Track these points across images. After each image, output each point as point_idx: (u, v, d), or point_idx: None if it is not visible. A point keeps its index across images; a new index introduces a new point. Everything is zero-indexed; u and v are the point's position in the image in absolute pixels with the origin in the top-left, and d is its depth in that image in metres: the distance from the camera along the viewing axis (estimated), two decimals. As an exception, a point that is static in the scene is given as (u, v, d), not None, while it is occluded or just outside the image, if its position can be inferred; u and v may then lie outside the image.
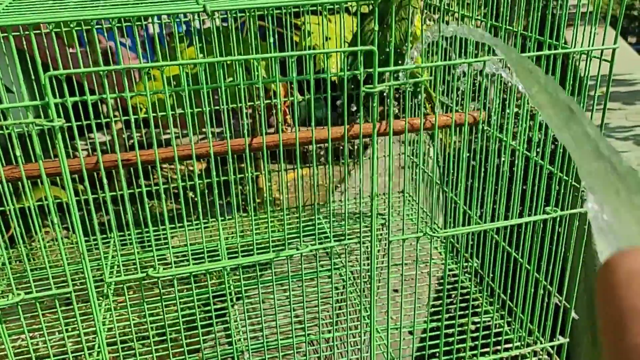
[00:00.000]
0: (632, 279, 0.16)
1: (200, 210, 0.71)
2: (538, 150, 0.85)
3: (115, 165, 0.70)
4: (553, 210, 0.82)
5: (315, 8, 1.08)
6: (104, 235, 1.36)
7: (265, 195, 1.74)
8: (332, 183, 1.71)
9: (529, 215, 0.85)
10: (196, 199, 0.70)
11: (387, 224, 0.78)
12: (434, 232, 0.78)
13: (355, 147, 2.14)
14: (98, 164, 0.77)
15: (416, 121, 0.88)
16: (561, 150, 0.84)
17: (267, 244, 0.72)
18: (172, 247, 1.32)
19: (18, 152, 0.63)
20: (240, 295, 1.13)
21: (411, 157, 1.40)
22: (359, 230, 0.77)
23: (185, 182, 1.37)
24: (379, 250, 1.20)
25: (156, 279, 0.71)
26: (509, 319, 1.00)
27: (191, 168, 1.99)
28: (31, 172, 0.80)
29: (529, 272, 0.90)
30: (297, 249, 0.74)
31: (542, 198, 0.85)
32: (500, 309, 1.02)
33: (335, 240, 0.78)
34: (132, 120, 0.75)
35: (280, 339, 0.91)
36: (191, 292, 0.75)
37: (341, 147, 1.69)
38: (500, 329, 0.99)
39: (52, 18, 0.59)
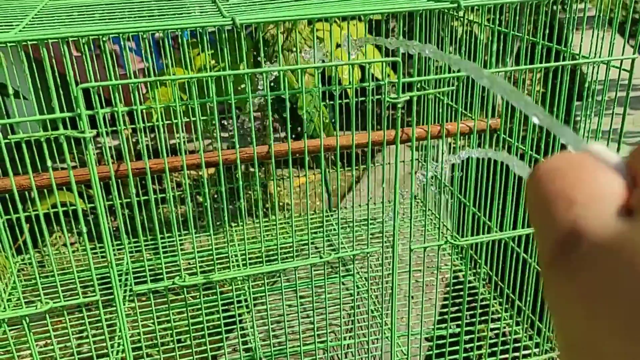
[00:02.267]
0: (553, 172, 0.16)
1: (227, 215, 0.71)
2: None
3: (142, 172, 0.71)
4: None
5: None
6: (118, 242, 1.36)
7: (283, 201, 1.74)
8: (354, 189, 1.71)
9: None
10: (222, 206, 0.70)
11: (409, 231, 0.79)
12: (455, 241, 0.79)
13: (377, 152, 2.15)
14: (123, 171, 0.78)
15: (435, 128, 0.88)
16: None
17: (282, 250, 0.73)
18: (184, 253, 1.33)
19: (49, 163, 0.63)
20: (254, 302, 1.14)
21: (423, 162, 1.41)
22: (377, 236, 0.78)
23: (217, 187, 1.37)
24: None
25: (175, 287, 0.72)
26: (526, 326, 1.01)
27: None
28: (43, 181, 0.81)
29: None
30: (321, 257, 0.75)
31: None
32: (517, 316, 1.03)
33: (349, 247, 0.79)
34: (154, 126, 0.76)
35: (297, 346, 0.91)
36: (204, 298, 0.75)
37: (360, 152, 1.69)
38: (518, 336, 0.99)
39: (84, 32, 0.60)
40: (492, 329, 0.99)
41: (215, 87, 1.23)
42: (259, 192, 0.76)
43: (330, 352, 1.02)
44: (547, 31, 0.84)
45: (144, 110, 1.19)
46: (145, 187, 1.47)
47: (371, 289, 1.16)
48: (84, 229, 0.67)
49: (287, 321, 1.00)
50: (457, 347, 0.91)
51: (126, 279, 1.20)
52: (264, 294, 1.20)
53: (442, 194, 1.25)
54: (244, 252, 1.25)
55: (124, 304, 1.15)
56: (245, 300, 1.14)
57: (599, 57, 0.77)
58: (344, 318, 1.09)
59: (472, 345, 0.95)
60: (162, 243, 1.35)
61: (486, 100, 0.87)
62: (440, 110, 1.14)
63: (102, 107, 0.69)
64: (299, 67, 0.67)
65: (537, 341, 0.97)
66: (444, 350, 0.95)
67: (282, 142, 0.86)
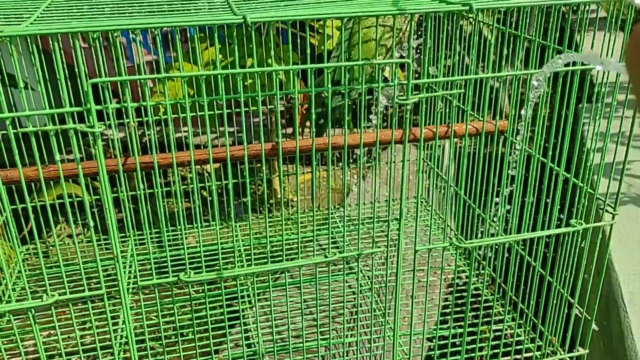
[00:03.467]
0: None
1: (232, 211, 0.71)
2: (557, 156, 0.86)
3: (150, 166, 0.71)
4: (578, 222, 0.83)
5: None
6: (122, 234, 1.37)
7: (287, 197, 1.74)
8: (360, 189, 1.71)
9: (549, 227, 0.85)
10: (228, 198, 0.71)
11: (414, 231, 0.79)
12: (460, 242, 0.79)
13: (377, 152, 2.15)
14: (130, 165, 0.79)
15: (443, 129, 0.88)
16: (576, 158, 0.85)
17: (286, 247, 0.73)
18: (188, 247, 1.33)
19: (57, 157, 0.64)
20: (257, 297, 1.14)
21: (428, 162, 1.41)
22: (380, 235, 0.78)
23: (221, 182, 1.38)
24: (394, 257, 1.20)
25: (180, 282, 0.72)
26: (528, 329, 1.01)
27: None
28: (50, 173, 0.82)
29: (550, 283, 0.90)
30: (325, 256, 0.75)
31: (566, 209, 0.85)
32: (519, 319, 1.03)
33: (353, 246, 0.79)
34: (160, 120, 0.76)
35: (299, 343, 0.92)
36: (207, 293, 0.75)
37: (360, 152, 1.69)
38: (520, 338, 0.99)
39: (96, 27, 0.60)
40: (494, 331, 0.99)
41: (223, 82, 1.22)
42: (264, 189, 0.76)
43: (332, 350, 1.02)
44: (557, 34, 0.83)
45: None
46: (150, 180, 1.47)
47: (374, 287, 1.16)
48: (91, 223, 0.67)
49: (290, 317, 1.01)
50: (459, 348, 0.91)
51: (129, 272, 1.20)
52: (267, 290, 1.20)
53: (447, 194, 1.24)
54: (248, 247, 1.26)
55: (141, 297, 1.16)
56: (249, 296, 1.15)
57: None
58: (346, 316, 1.09)
59: (474, 346, 0.95)
60: (166, 237, 1.36)
61: (494, 102, 0.87)
62: (448, 110, 1.14)
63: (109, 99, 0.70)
64: (308, 67, 0.67)
65: (539, 344, 0.97)
66: (445, 350, 0.95)
67: (289, 139, 0.86)
